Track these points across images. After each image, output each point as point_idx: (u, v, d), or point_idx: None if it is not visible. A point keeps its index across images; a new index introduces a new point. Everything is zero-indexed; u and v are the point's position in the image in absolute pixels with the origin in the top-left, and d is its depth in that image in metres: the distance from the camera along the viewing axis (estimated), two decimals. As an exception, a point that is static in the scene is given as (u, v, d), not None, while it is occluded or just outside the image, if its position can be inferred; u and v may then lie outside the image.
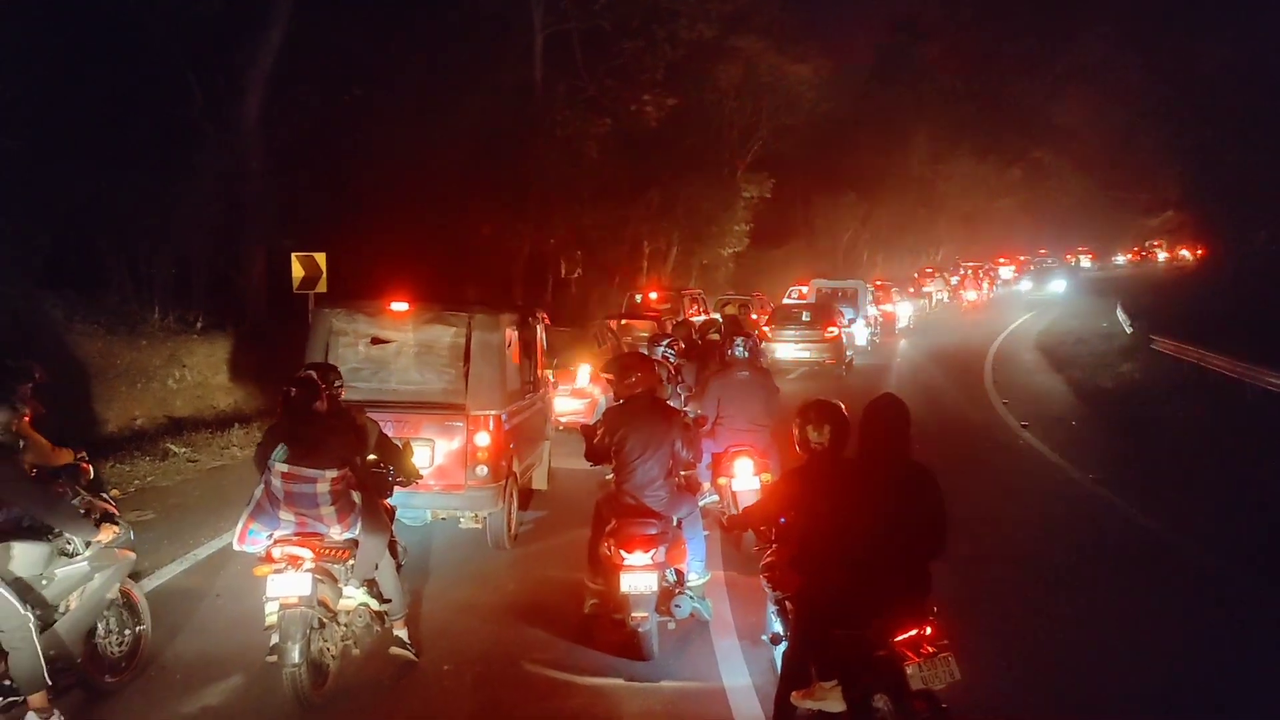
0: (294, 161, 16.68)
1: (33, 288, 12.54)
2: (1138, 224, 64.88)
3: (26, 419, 5.01)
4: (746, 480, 7.84)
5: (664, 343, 9.59)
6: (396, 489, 6.01)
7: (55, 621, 4.91)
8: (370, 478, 5.64)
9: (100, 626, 5.21)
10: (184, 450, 10.74)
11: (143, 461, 10.26)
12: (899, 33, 50.86)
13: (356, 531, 5.30)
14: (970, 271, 46.84)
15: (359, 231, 17.89)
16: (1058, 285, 52.29)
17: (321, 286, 13.48)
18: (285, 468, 5.12)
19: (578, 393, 12.23)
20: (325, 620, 5.18)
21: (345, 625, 5.40)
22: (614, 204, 28.51)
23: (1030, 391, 18.25)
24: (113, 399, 12.29)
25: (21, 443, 4.93)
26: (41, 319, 12.40)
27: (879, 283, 32.35)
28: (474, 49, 22.01)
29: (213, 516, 8.38)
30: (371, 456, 5.82)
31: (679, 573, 5.91)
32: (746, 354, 8.32)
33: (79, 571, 5.01)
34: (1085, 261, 66.98)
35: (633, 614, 5.55)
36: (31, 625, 4.61)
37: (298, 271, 13.34)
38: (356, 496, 5.31)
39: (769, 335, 20.31)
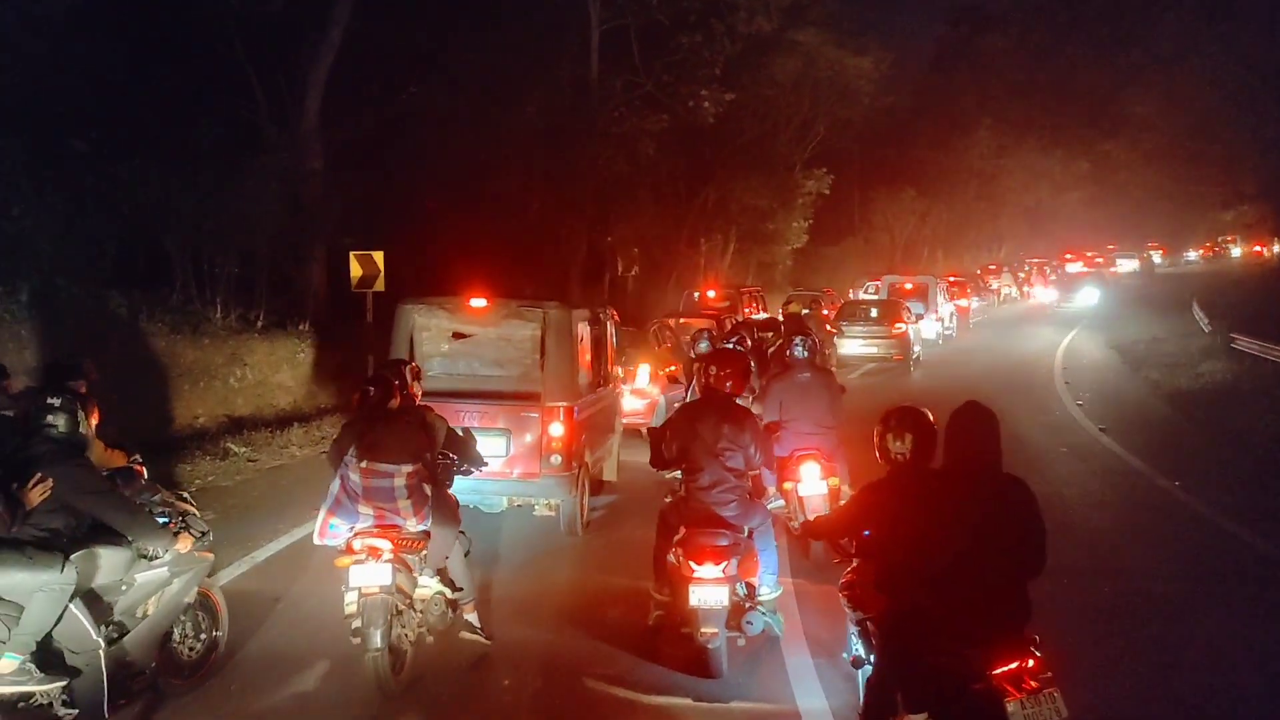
0: (353, 161, 16.71)
1: (100, 287, 12.67)
2: (1210, 218, 62.81)
3: (95, 419, 4.93)
4: (813, 485, 7.59)
5: (705, 337, 9.39)
6: (466, 476, 6.15)
7: (132, 629, 4.84)
8: (439, 470, 5.78)
9: (176, 631, 5.17)
10: (244, 450, 10.73)
11: (204, 461, 10.27)
12: (961, 23, 49.82)
13: (429, 523, 5.47)
14: (1035, 268, 45.71)
15: (417, 230, 17.88)
16: (1088, 296, 38.82)
17: (380, 285, 13.47)
18: (364, 463, 5.32)
19: (637, 392, 12.00)
20: (403, 608, 5.34)
21: (421, 613, 5.56)
22: (671, 201, 28.29)
23: (1105, 391, 17.60)
24: (176, 398, 12.37)
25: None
26: (108, 318, 12.52)
27: (953, 279, 32.13)
28: (531, 46, 21.89)
29: (272, 518, 8.30)
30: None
31: (750, 586, 5.63)
32: (805, 354, 8.05)
33: (159, 576, 4.96)
34: (1156, 256, 64.44)
35: (702, 629, 5.28)
36: (101, 652, 4.50)
37: (356, 270, 13.33)
38: (429, 490, 5.51)
39: (840, 330, 20.33)
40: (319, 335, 15.39)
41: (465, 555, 5.91)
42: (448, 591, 5.72)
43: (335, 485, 5.45)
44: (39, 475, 4.36)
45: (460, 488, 6.30)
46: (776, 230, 33.19)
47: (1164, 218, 63.24)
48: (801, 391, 7.82)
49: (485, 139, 19.92)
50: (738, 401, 5.93)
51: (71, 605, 4.42)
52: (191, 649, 5.29)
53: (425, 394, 6.33)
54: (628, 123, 23.78)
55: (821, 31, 30.96)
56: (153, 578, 4.92)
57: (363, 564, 5.17)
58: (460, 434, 6.06)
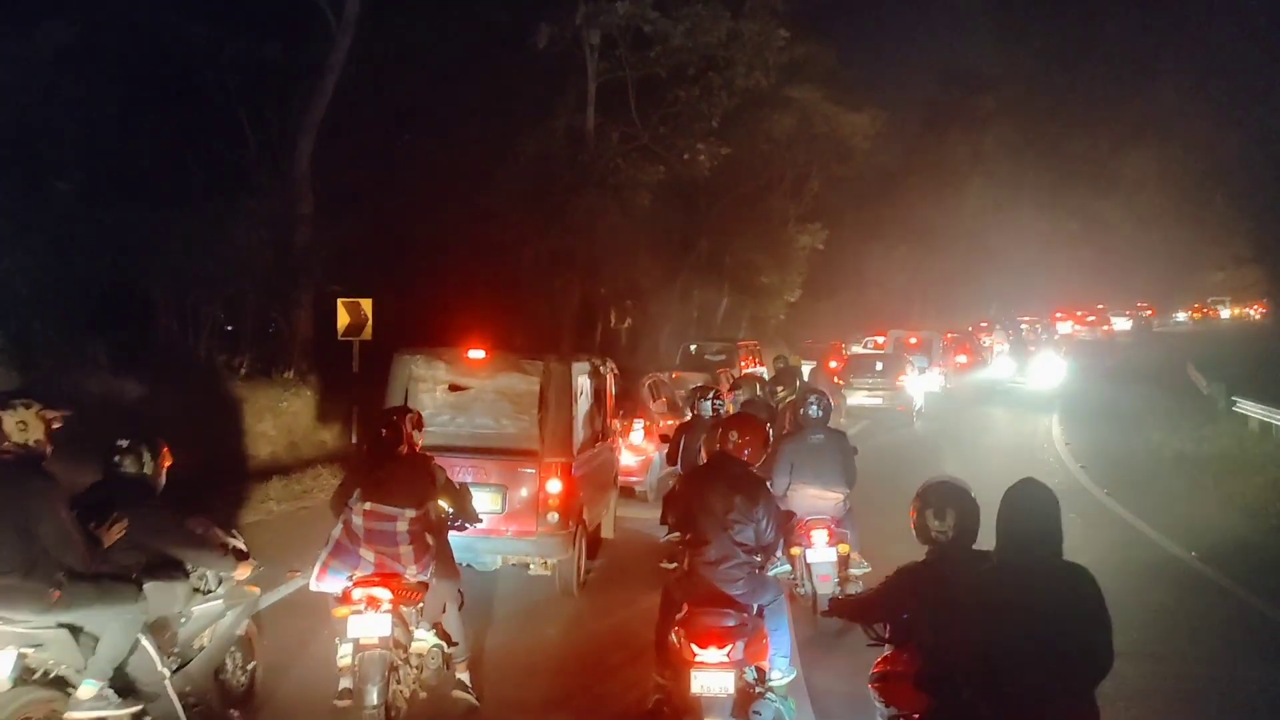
0: (344, 207, 16.43)
1: (80, 331, 12.29)
2: (1200, 279, 63.07)
3: (166, 462, 5.10)
4: (822, 551, 7.28)
5: (709, 396, 9.06)
6: (460, 532, 6.00)
7: (192, 660, 5.06)
8: (438, 522, 5.69)
9: (228, 662, 5.36)
10: (218, 505, 10.22)
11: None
12: (954, 84, 50.33)
13: (429, 574, 5.39)
14: (1027, 326, 45.56)
15: (406, 278, 17.57)
16: (1046, 369, 31.24)
17: (367, 334, 13.15)
18: (367, 505, 5.26)
19: (632, 449, 11.61)
20: (399, 662, 5.21)
21: (417, 668, 5.44)
22: (665, 253, 28.12)
23: (1105, 453, 17.23)
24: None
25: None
26: (87, 364, 12.13)
27: (950, 335, 33.00)
28: (527, 96, 21.82)
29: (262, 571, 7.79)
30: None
31: (760, 670, 5.17)
32: (820, 414, 7.73)
33: (214, 609, 5.19)
34: (1120, 323, 63.73)
35: (705, 719, 4.83)
36: (168, 680, 4.77)
37: (343, 318, 13.02)
38: (430, 539, 5.44)
39: (848, 383, 21.10)
40: (304, 383, 14.98)
41: (459, 610, 5.77)
42: (444, 646, 5.60)
43: (338, 529, 5.37)
44: (115, 515, 4.66)
45: (454, 545, 6.07)
46: (770, 284, 33.10)
47: (1154, 278, 63.51)
48: (813, 453, 7.51)
49: (479, 188, 19.71)
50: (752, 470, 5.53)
51: (141, 636, 4.68)
52: (239, 680, 5.47)
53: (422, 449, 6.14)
54: (623, 174, 23.63)
55: (818, 88, 31.10)
56: (209, 610, 5.17)
57: (361, 614, 5.02)
58: (457, 487, 5.89)
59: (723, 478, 5.26)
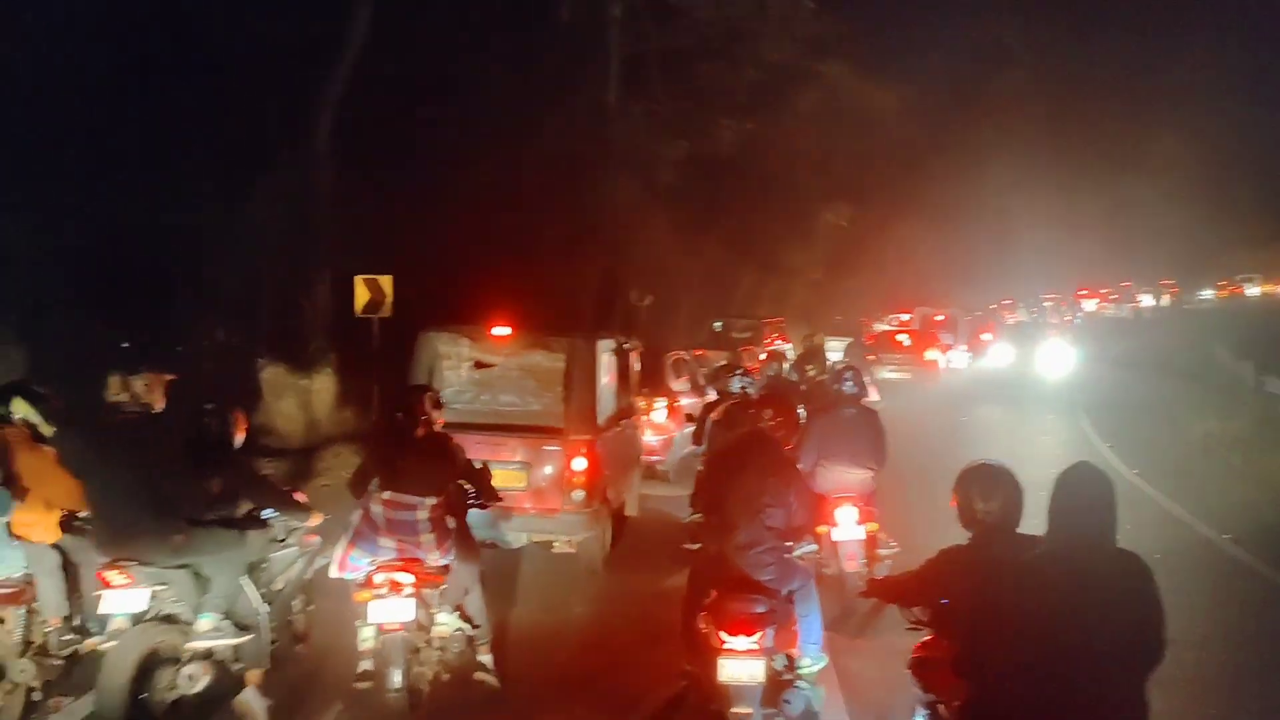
0: (363, 183, 16.27)
1: (95, 310, 12.22)
2: (1226, 256, 61.97)
3: (242, 429, 5.66)
4: (850, 530, 7.14)
5: (738, 374, 8.85)
6: (482, 510, 6.03)
7: (273, 601, 5.54)
8: (457, 501, 5.70)
9: (296, 603, 5.92)
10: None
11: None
12: (982, 60, 49.50)
13: (451, 557, 5.39)
14: (1051, 303, 45.04)
15: (426, 255, 17.39)
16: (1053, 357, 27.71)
17: (386, 311, 13.00)
18: (387, 494, 5.24)
19: (654, 427, 11.47)
20: (421, 645, 5.28)
21: (439, 650, 5.47)
22: (687, 230, 27.85)
23: (1131, 430, 16.91)
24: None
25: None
26: (102, 342, 12.06)
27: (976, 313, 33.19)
28: (549, 71, 21.54)
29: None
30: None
31: (790, 658, 5.01)
32: (855, 390, 7.59)
33: (290, 555, 5.77)
34: (1146, 299, 62.64)
35: (733, 708, 4.67)
36: (265, 615, 5.29)
37: (362, 295, 12.88)
38: (451, 523, 5.46)
39: (878, 359, 21.69)
40: (324, 361, 14.87)
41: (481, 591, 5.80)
42: (466, 628, 5.61)
43: (356, 516, 5.36)
44: (213, 469, 5.26)
45: (477, 523, 6.19)
46: (793, 262, 32.77)
47: (1180, 255, 62.50)
48: (843, 428, 7.35)
49: (500, 164, 19.50)
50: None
51: (242, 577, 5.25)
52: (302, 621, 6.00)
53: (444, 426, 6.05)
54: (646, 150, 23.36)
55: (844, 63, 30.61)
56: (285, 556, 5.74)
57: (383, 599, 5.04)
58: (478, 466, 5.83)
59: (753, 459, 5.08)
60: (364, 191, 16.12)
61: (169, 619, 5.01)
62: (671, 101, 24.16)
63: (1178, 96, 43.94)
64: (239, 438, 5.63)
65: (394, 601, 5.04)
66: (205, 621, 5.00)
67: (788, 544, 5.04)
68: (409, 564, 5.20)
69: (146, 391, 5.05)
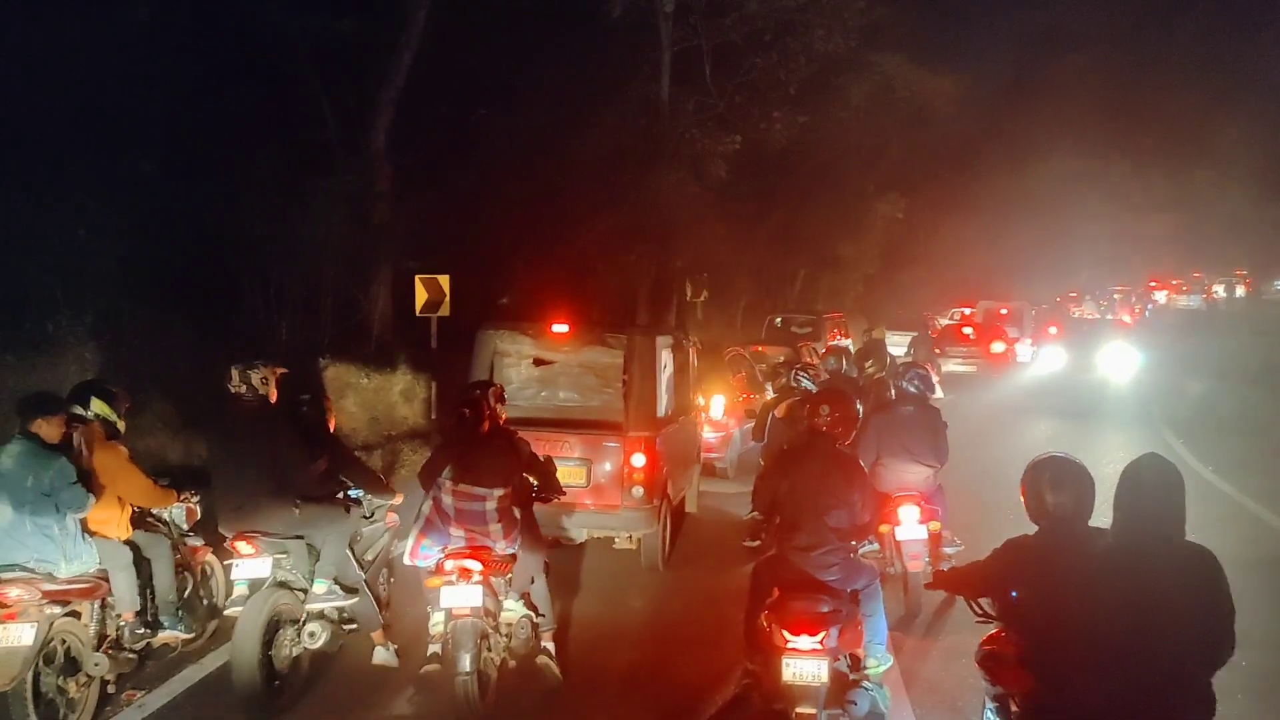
0: (421, 183, 16.44)
1: (166, 310, 12.50)
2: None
3: (333, 414, 6.40)
4: (912, 529, 7.02)
5: (797, 369, 8.81)
6: (545, 503, 6.09)
7: (365, 571, 6.02)
8: (523, 492, 5.80)
9: (381, 574, 6.45)
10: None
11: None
12: (1041, 44, 48.45)
13: (517, 546, 5.51)
14: (1121, 295, 44.01)
15: (483, 253, 17.53)
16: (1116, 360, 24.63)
17: (445, 310, 13.13)
18: (458, 486, 5.39)
19: (713, 424, 11.43)
20: (489, 631, 5.37)
21: (507, 636, 5.59)
22: (741, 225, 27.66)
23: (1205, 427, 16.42)
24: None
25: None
26: (173, 342, 12.34)
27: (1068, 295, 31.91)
28: (601, 68, 21.53)
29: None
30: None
31: (855, 658, 4.95)
32: (918, 390, 7.50)
33: (378, 529, 6.37)
34: (1221, 290, 60.55)
35: (797, 709, 4.61)
36: (364, 579, 5.87)
37: (421, 294, 13.03)
38: (517, 513, 5.57)
39: (944, 351, 21.78)
40: (383, 360, 15.07)
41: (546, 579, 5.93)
42: (532, 616, 5.73)
43: (427, 505, 5.51)
44: (316, 451, 5.82)
45: (539, 519, 6.21)
46: (848, 255, 32.37)
47: (1253, 245, 60.53)
48: (903, 426, 7.24)
49: (554, 161, 19.56)
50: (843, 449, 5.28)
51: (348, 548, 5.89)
52: (385, 591, 6.45)
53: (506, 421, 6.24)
54: (698, 144, 23.25)
55: (898, 52, 30.16)
56: (374, 531, 6.32)
57: (453, 585, 5.20)
58: (541, 460, 5.95)
59: (815, 458, 5.02)
60: (421, 191, 16.27)
61: (284, 585, 5.59)
62: (723, 95, 24.01)
63: (1247, 80, 42.62)
64: (332, 424, 6.33)
65: (463, 588, 5.19)
66: (320, 586, 5.60)
67: (851, 544, 4.97)
68: (477, 552, 5.33)
69: (263, 384, 5.62)
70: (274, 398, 5.67)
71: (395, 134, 16.71)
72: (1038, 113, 45.93)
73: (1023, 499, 3.73)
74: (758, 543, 7.83)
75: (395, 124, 16.70)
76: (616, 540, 7.90)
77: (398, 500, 6.36)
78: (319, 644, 5.55)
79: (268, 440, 5.54)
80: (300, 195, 14.32)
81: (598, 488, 7.54)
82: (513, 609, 5.65)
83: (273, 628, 5.37)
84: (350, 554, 5.84)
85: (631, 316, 22.83)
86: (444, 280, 13.09)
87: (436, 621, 5.29)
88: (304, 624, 5.56)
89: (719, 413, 11.60)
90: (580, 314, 8.38)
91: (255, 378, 5.58)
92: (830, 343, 18.29)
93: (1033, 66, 48.41)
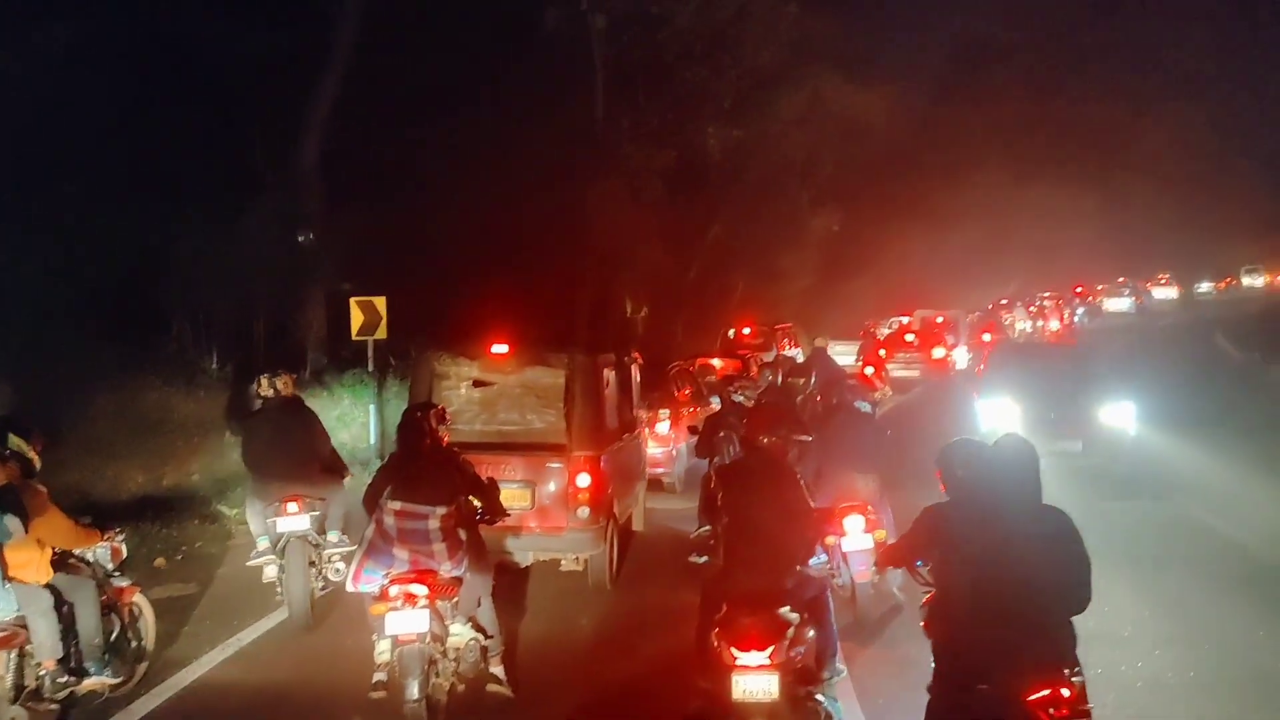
0: (354, 203, 16.16)
1: (91, 337, 12.11)
2: (1227, 249, 61.86)
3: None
4: (858, 539, 6.98)
5: (734, 385, 8.80)
6: (489, 526, 5.96)
7: None
8: (468, 515, 5.70)
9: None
10: (235, 511, 9.96)
11: (191, 525, 9.53)
12: (966, 56, 49.55)
13: (463, 568, 5.42)
14: (1049, 302, 45.02)
15: (419, 273, 17.29)
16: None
17: (381, 332, 12.89)
18: (398, 504, 5.30)
19: (658, 439, 11.40)
20: (437, 656, 5.28)
21: (454, 661, 5.51)
22: (679, 240, 27.76)
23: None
24: (169, 455, 11.69)
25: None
26: (98, 371, 11.96)
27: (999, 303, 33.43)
28: (535, 85, 21.48)
29: (260, 591, 7.55)
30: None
31: (806, 670, 4.87)
32: (855, 399, 7.55)
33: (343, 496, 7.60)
34: (1160, 292, 62.19)
35: (749, 726, 4.53)
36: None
37: (357, 317, 12.77)
38: (463, 533, 5.48)
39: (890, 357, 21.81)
40: (318, 384, 14.74)
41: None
42: (481, 638, 5.65)
43: (370, 529, 5.40)
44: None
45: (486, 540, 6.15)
46: (786, 267, 32.66)
47: (1176, 250, 62.42)
48: (845, 436, 7.26)
49: (488, 179, 19.41)
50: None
51: None
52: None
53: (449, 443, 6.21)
54: (634, 160, 23.29)
55: (828, 65, 30.60)
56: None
57: (399, 611, 5.08)
58: (484, 482, 5.84)
59: (756, 474, 4.97)
60: (356, 211, 15.98)
61: (304, 537, 6.96)
62: (658, 111, 24.11)
63: (1168, 86, 44.02)
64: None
65: (409, 613, 5.08)
66: (334, 535, 7.25)
67: (798, 558, 4.91)
68: (423, 575, 5.24)
69: (285, 387, 7.34)
70: (291, 395, 7.38)
71: (327, 153, 16.44)
72: (966, 123, 46.92)
73: (939, 481, 4.19)
74: (705, 559, 7.71)
75: (326, 142, 16.43)
76: (563, 562, 7.82)
77: (348, 478, 7.61)
78: (340, 578, 6.95)
79: (300, 424, 7.29)
80: (229, 217, 14.00)
81: (542, 510, 7.45)
82: (460, 632, 5.54)
83: (306, 569, 6.87)
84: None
85: (571, 333, 22.64)
86: (380, 302, 12.85)
87: (382, 649, 5.17)
88: (329, 564, 7.20)
89: (665, 428, 11.52)
90: (520, 333, 8.25)
91: (279, 382, 7.30)
92: (780, 354, 18.41)
93: (960, 77, 49.49)
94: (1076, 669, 3.84)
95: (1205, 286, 65.43)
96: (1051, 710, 3.67)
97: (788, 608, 4.78)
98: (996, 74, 48.73)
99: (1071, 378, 13.51)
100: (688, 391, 12.97)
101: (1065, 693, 3.71)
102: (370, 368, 13.29)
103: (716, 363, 16.32)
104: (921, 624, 4.28)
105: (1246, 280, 64.84)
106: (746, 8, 23.13)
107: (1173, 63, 37.83)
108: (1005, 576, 3.75)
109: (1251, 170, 33.32)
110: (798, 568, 4.91)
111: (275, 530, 6.96)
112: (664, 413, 11.52)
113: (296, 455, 7.09)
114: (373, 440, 13.34)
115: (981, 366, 15.68)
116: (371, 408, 13.51)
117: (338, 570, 7.09)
